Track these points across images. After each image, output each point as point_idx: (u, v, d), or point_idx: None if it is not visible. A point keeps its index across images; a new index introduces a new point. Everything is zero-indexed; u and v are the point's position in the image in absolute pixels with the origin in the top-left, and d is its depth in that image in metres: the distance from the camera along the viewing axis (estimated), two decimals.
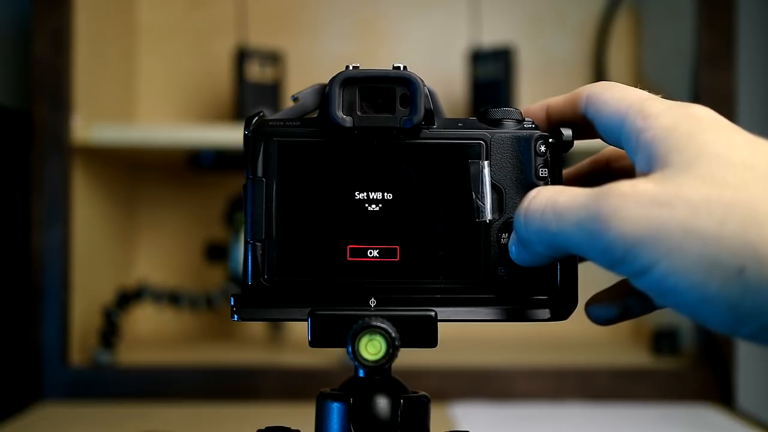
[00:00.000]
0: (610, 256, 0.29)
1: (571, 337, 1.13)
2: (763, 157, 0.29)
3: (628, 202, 0.29)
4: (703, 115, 0.31)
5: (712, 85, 0.97)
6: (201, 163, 1.06)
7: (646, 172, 0.30)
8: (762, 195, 0.27)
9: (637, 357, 1.04)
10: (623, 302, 0.36)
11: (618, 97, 0.34)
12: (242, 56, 1.06)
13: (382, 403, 0.37)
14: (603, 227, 0.29)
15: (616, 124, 0.33)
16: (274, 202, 0.36)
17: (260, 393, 0.94)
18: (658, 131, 0.31)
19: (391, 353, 0.33)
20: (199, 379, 0.94)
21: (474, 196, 0.37)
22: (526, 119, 0.38)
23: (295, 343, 1.11)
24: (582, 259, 0.36)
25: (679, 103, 0.32)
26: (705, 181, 0.28)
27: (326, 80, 0.37)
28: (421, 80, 0.36)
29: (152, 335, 1.18)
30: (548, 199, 0.32)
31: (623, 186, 0.29)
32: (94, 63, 1.00)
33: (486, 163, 0.37)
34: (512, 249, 0.35)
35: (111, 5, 1.09)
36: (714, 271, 0.27)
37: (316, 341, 0.35)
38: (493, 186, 0.37)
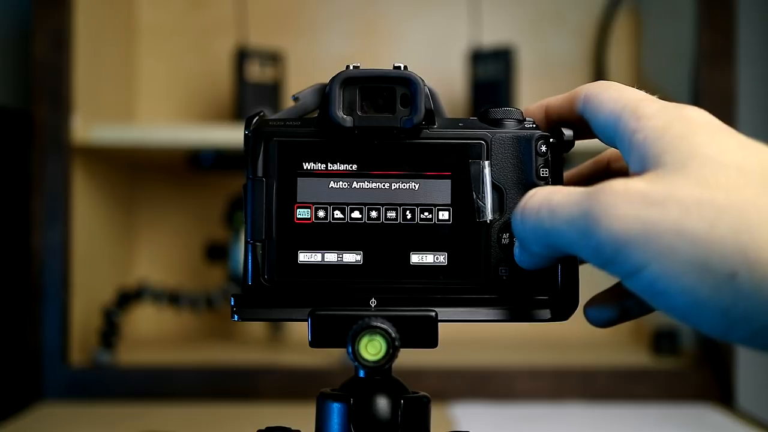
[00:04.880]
0: (601, 255, 0.29)
1: (571, 337, 1.13)
2: (756, 161, 0.29)
3: (619, 200, 0.29)
4: (696, 117, 0.31)
5: (712, 85, 0.97)
6: (201, 163, 1.06)
7: (639, 173, 0.30)
8: (754, 199, 0.27)
9: (637, 357, 1.04)
10: (621, 304, 0.36)
11: (614, 97, 0.34)
12: (242, 56, 1.06)
13: (383, 404, 0.37)
14: (593, 225, 0.29)
15: (611, 124, 0.33)
16: (274, 202, 0.36)
17: (260, 393, 0.94)
18: (650, 132, 0.30)
19: (391, 353, 0.33)
20: (199, 379, 0.94)
21: (475, 196, 0.36)
22: (526, 119, 0.38)
23: (295, 343, 1.11)
24: (582, 261, 0.36)
25: (673, 104, 0.32)
26: (698, 182, 0.28)
27: (326, 80, 0.37)
28: (422, 80, 0.36)
29: (152, 335, 1.18)
30: (544, 198, 0.32)
31: (615, 184, 0.29)
32: (94, 63, 1.00)
33: (487, 163, 0.37)
34: (516, 252, 0.36)
35: (111, 5, 1.09)
36: (705, 276, 0.27)
37: (316, 341, 0.35)
38: (494, 186, 0.37)
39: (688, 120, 0.30)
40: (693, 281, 0.27)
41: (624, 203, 0.28)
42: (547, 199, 0.32)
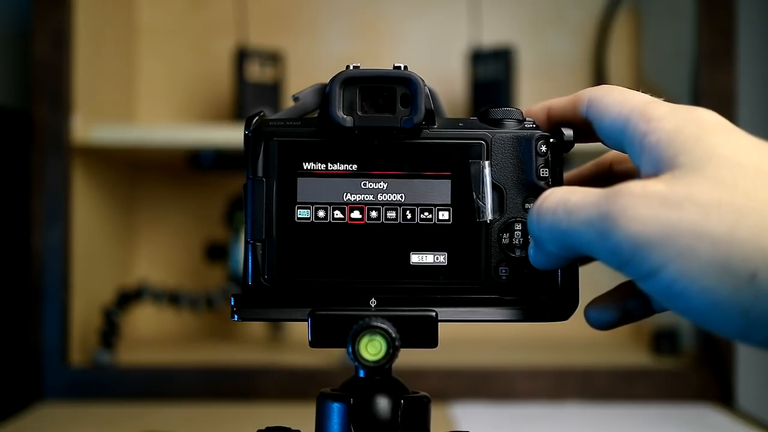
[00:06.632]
0: (618, 256, 0.29)
1: (571, 337, 1.13)
2: None
3: (637, 201, 0.29)
4: (708, 118, 0.31)
5: (712, 85, 0.97)
6: (201, 163, 1.06)
7: (653, 175, 0.30)
8: None
9: (637, 357, 1.04)
10: (623, 306, 0.36)
11: (620, 101, 0.34)
12: (242, 56, 1.06)
13: (383, 404, 0.37)
14: (611, 226, 0.29)
15: (618, 127, 0.33)
16: (274, 202, 0.36)
17: (260, 393, 0.94)
18: (663, 134, 0.30)
19: (391, 353, 0.33)
20: (199, 379, 0.94)
21: (475, 196, 0.36)
22: (526, 119, 0.38)
23: (295, 343, 1.11)
24: (592, 259, 0.36)
25: (682, 106, 0.32)
26: (716, 183, 0.28)
27: (326, 80, 0.37)
28: (422, 80, 0.36)
29: (152, 335, 1.18)
30: (560, 198, 0.32)
31: (633, 186, 0.29)
32: (94, 63, 1.00)
33: (487, 163, 0.37)
34: (530, 252, 0.35)
35: (111, 5, 1.09)
36: (725, 277, 0.27)
37: (316, 341, 0.35)
38: (494, 186, 0.37)
39: (700, 121, 0.30)
40: (712, 282, 0.27)
41: (642, 205, 0.28)
42: (564, 200, 0.32)
